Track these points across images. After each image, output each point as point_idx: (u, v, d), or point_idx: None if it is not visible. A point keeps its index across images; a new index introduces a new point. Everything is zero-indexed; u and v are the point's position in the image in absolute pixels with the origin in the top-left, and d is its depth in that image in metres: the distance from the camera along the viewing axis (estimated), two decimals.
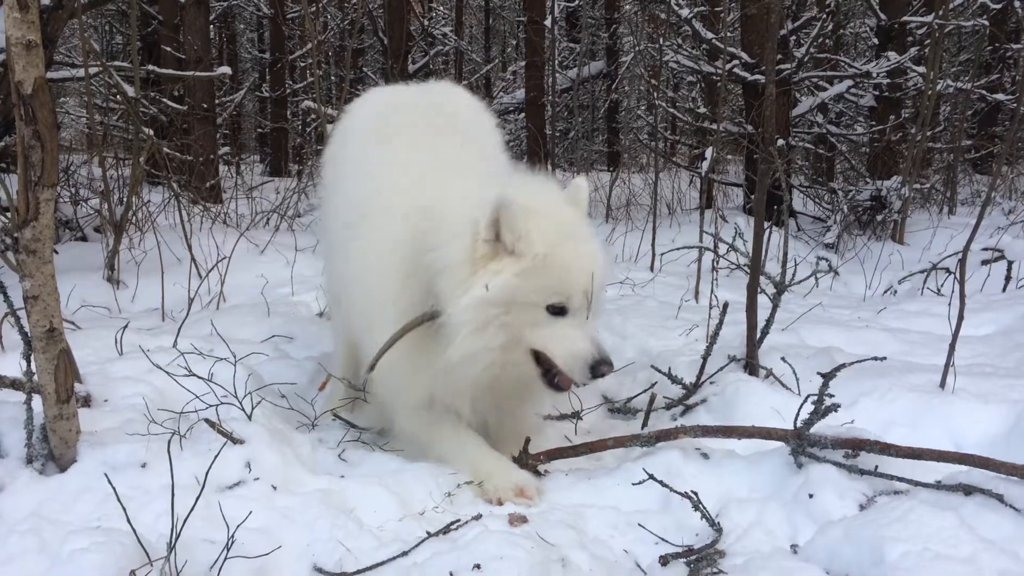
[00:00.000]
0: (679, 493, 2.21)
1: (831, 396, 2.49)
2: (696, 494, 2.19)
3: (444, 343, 2.53)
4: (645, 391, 3.31)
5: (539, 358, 2.58)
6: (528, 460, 2.77)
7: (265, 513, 2.28)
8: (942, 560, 1.73)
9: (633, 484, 2.38)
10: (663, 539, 2.19)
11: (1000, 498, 1.90)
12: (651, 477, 2.26)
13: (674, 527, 2.34)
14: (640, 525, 2.25)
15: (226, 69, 8.51)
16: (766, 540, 2.19)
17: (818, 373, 2.58)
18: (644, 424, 3.13)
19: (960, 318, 3.03)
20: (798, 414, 2.52)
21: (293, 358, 3.88)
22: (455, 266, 2.50)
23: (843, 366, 2.63)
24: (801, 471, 2.38)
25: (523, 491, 2.57)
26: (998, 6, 8.92)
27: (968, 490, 2.04)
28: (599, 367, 2.49)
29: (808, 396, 2.53)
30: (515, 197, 2.46)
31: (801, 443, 2.44)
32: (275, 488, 2.42)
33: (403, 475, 2.60)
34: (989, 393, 2.87)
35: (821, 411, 2.45)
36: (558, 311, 2.52)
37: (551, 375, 2.59)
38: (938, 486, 2.11)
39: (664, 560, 2.05)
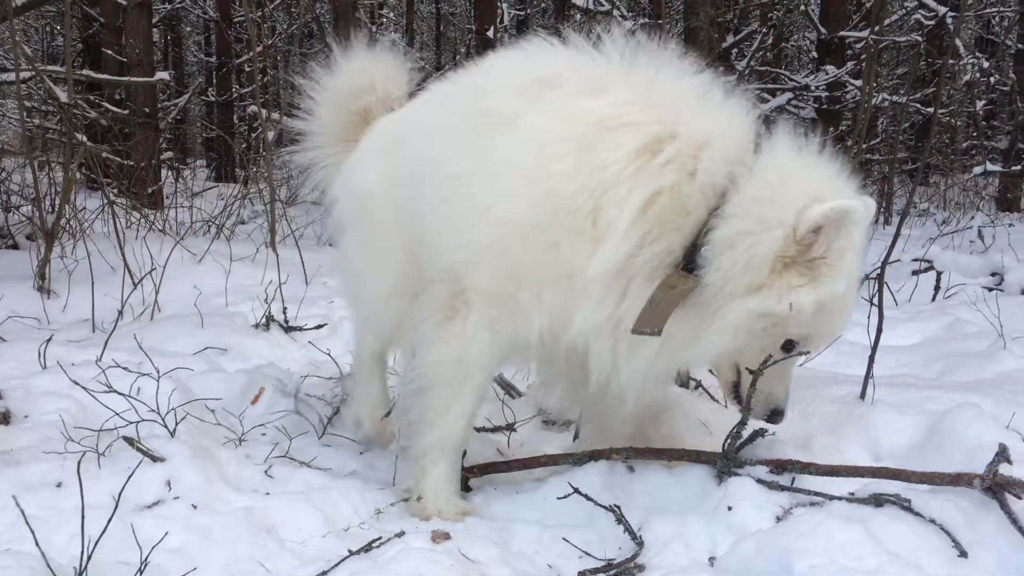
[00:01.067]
0: (603, 507, 2.24)
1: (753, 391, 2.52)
2: (619, 507, 2.21)
3: (693, 314, 2.24)
4: None
5: (738, 367, 2.43)
6: (462, 474, 2.77)
7: (184, 533, 2.25)
8: (847, 572, 1.77)
9: (558, 498, 2.39)
10: (586, 553, 2.20)
11: (908, 506, 1.96)
12: (576, 491, 2.28)
13: (598, 541, 2.35)
14: (564, 539, 2.27)
15: (164, 75, 8.39)
16: (685, 553, 2.22)
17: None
18: (575, 437, 3.15)
19: (879, 331, 3.11)
20: (729, 435, 2.54)
21: (225, 371, 3.83)
22: (759, 259, 2.14)
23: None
24: (722, 484, 2.42)
25: (467, 514, 2.55)
26: (932, 23, 9.21)
27: (879, 501, 2.09)
28: (775, 416, 2.43)
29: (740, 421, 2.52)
30: (857, 209, 2.13)
31: (728, 464, 2.48)
32: (195, 507, 2.39)
33: (330, 492, 2.58)
34: (907, 404, 2.95)
35: (750, 436, 2.48)
36: (789, 347, 2.31)
37: (738, 388, 2.46)
38: (851, 498, 2.17)
39: None
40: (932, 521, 1.96)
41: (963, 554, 1.86)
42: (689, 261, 2.23)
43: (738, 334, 2.21)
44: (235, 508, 2.42)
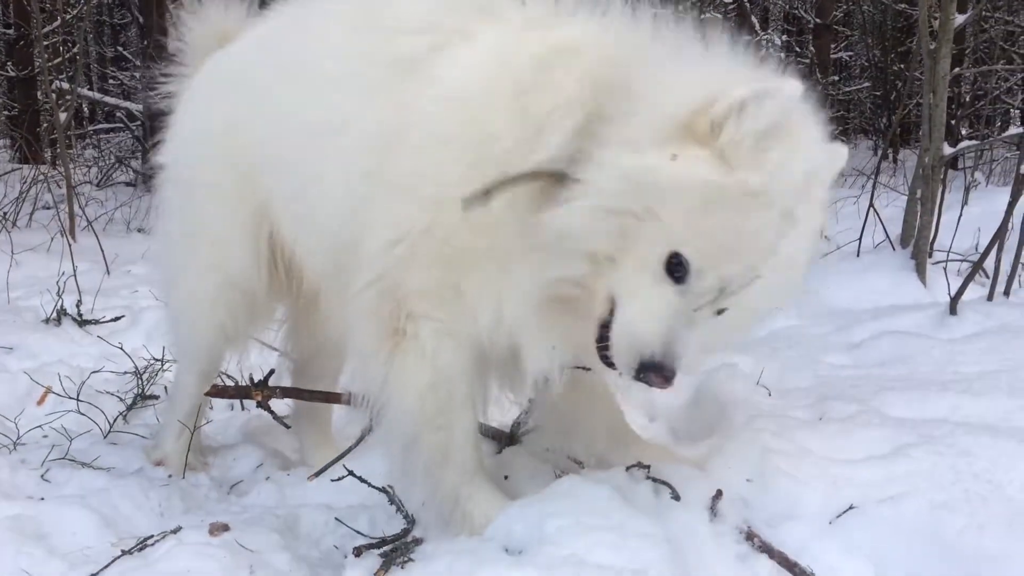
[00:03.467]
0: (376, 488, 2.30)
1: None
2: (391, 488, 2.28)
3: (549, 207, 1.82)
4: None
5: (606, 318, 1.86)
6: (265, 391, 2.83)
7: None
8: (592, 530, 1.92)
9: (332, 480, 2.45)
10: (358, 532, 2.26)
11: (647, 469, 2.14)
12: (351, 473, 2.33)
13: (385, 519, 2.42)
14: (338, 520, 2.32)
15: None
16: (462, 524, 2.32)
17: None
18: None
19: None
20: (518, 420, 2.65)
21: (8, 371, 3.62)
22: (654, 117, 1.76)
23: None
24: (501, 454, 2.55)
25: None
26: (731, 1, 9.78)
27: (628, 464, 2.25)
28: (646, 371, 1.77)
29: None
30: (789, 91, 1.74)
31: (512, 442, 2.60)
32: None
33: (111, 493, 2.53)
34: None
35: (528, 411, 2.59)
36: (676, 274, 1.76)
37: (605, 344, 1.85)
38: (604, 465, 2.34)
39: (358, 551, 2.13)
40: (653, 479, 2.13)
41: (676, 497, 2.04)
42: None
43: (598, 206, 1.74)
44: (2, 517, 2.32)
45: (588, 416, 2.41)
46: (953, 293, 3.88)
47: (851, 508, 2.08)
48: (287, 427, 2.95)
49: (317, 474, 2.53)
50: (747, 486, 2.14)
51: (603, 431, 2.42)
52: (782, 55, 11.10)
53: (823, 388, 2.89)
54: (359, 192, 2.09)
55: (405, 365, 2.10)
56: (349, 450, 2.62)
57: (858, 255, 5.28)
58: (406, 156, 2.02)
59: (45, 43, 15.21)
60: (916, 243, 4.89)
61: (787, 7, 18.03)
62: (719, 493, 2.03)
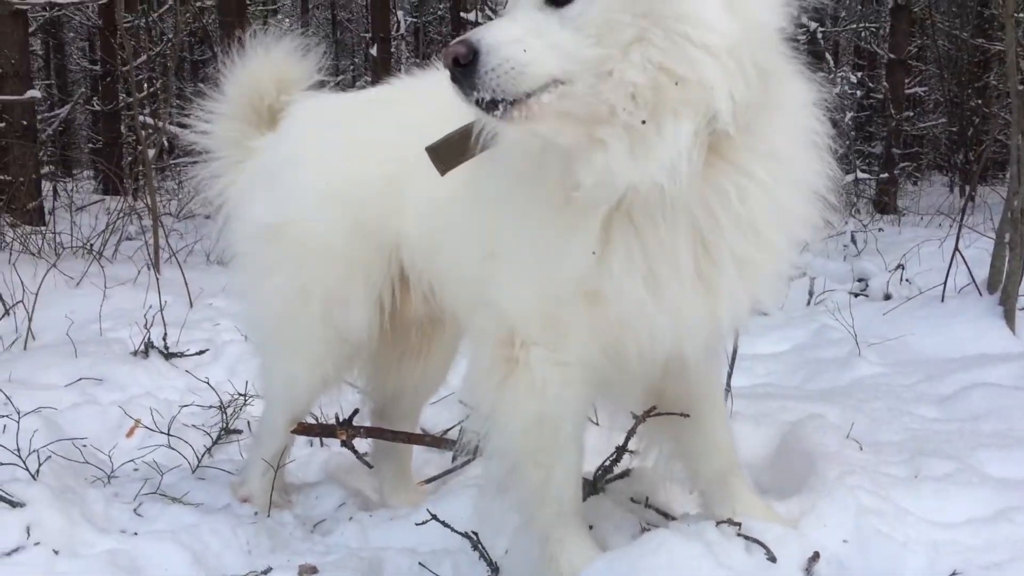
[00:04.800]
0: (460, 533, 2.31)
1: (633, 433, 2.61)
2: (475, 534, 2.28)
3: None
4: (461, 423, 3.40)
5: None
6: (350, 430, 2.94)
7: None
8: None
9: (416, 524, 2.46)
10: None
11: (738, 526, 2.09)
12: (434, 518, 2.34)
13: (469, 565, 2.42)
14: (421, 564, 2.33)
15: (35, 93, 8.05)
16: (547, 568, 2.30)
17: (632, 414, 2.46)
18: (454, 458, 3.21)
19: (735, 353, 3.28)
20: (600, 467, 2.58)
21: (100, 403, 3.74)
22: None
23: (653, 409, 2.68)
24: (585, 503, 2.52)
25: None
26: (804, 37, 9.72)
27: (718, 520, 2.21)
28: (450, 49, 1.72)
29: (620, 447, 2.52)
30: None
31: (596, 490, 2.58)
32: (57, 552, 2.36)
33: (200, 528, 2.58)
34: (763, 415, 3.12)
35: (615, 459, 2.56)
36: None
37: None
38: (695, 516, 2.30)
39: None
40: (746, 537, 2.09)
41: (772, 559, 2.01)
42: None
43: None
44: (99, 551, 2.39)
45: (702, 452, 2.35)
46: None
47: (955, 574, 2.01)
48: (370, 466, 2.99)
49: (427, 481, 2.94)
50: (844, 547, 2.09)
51: (713, 471, 2.34)
52: (857, 92, 10.95)
53: (916, 443, 2.80)
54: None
55: (515, 393, 2.07)
56: (455, 468, 2.87)
57: (942, 300, 5.12)
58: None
59: (138, 77, 15.85)
60: (1004, 289, 4.73)
61: (859, 42, 17.79)
62: (816, 555, 1.99)
